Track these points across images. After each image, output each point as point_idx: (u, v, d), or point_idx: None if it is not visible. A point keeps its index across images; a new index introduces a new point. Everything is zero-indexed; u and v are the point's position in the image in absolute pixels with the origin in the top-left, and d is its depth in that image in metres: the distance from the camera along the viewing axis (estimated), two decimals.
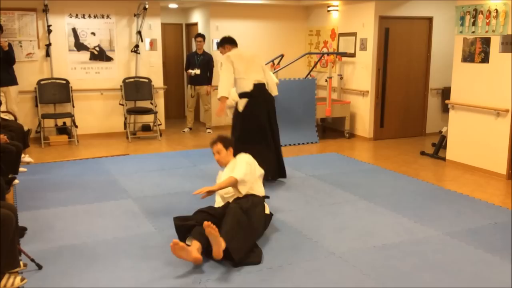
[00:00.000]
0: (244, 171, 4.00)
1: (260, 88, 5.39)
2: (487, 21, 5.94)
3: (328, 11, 8.84)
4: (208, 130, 8.85)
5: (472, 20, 6.16)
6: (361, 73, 8.27)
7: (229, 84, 5.27)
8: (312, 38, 9.55)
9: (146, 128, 8.65)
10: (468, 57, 6.29)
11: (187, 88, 9.00)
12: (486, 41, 5.99)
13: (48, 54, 7.90)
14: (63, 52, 8.08)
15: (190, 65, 8.71)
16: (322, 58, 8.98)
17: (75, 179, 5.79)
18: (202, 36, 8.76)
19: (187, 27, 10.50)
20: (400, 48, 8.19)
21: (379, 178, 5.92)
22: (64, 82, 8.01)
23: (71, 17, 8.07)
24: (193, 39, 8.94)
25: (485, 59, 6.03)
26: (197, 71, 8.59)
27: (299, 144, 7.81)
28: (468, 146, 6.37)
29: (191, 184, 5.62)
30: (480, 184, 5.70)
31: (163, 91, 8.92)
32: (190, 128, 8.99)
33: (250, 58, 5.47)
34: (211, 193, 3.97)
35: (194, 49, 9.02)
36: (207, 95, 8.76)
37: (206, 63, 8.69)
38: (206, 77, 8.73)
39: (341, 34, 8.71)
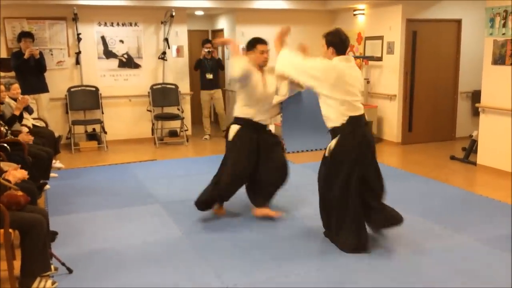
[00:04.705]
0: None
1: None
2: None
3: (354, 15, 8.78)
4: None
5: (502, 21, 6.03)
6: (388, 76, 8.18)
7: None
8: None
9: (173, 133, 8.74)
10: (498, 60, 6.15)
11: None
12: None
13: (78, 62, 8.06)
14: (93, 60, 8.24)
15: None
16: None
17: (104, 184, 5.88)
18: (211, 41, 8.85)
19: (213, 33, 10.58)
20: (428, 51, 8.06)
21: (408, 184, 5.83)
22: (93, 89, 8.15)
23: (100, 26, 8.22)
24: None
25: None
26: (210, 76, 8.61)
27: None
28: (500, 150, 6.21)
29: None
30: None
31: (189, 97, 9.00)
32: (209, 135, 8.94)
33: None
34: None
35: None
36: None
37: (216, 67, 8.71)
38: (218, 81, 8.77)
39: (367, 38, 8.64)
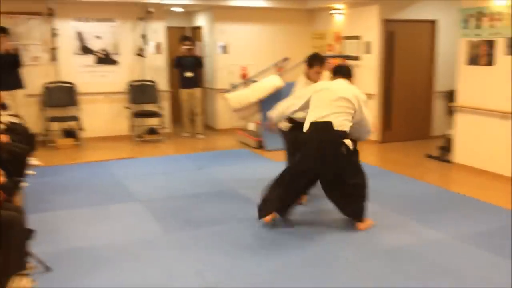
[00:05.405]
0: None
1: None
2: (492, 23, 5.94)
3: (332, 14, 8.86)
4: (200, 136, 8.76)
5: (476, 22, 6.16)
6: (366, 76, 8.28)
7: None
8: (316, 42, 9.57)
9: (152, 131, 8.68)
10: (472, 60, 6.28)
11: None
12: (491, 44, 5.98)
13: (54, 58, 7.94)
14: (69, 56, 8.13)
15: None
16: (327, 61, 8.97)
17: (82, 182, 5.81)
18: (190, 38, 8.79)
19: (192, 30, 10.54)
20: (405, 51, 8.19)
21: (386, 181, 5.91)
22: (70, 85, 8.04)
23: (76, 21, 8.12)
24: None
25: (490, 62, 6.03)
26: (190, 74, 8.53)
27: None
28: (474, 148, 6.36)
29: (197, 187, 5.63)
30: (487, 187, 5.69)
31: (168, 94, 8.95)
32: (189, 133, 8.91)
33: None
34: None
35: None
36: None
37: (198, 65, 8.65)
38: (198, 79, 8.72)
39: (345, 38, 8.72)
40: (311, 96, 4.28)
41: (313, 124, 4.15)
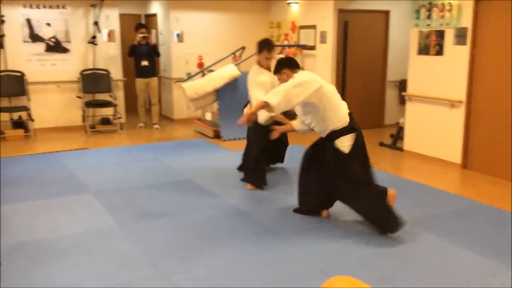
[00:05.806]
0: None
1: None
2: (442, 14, 6.11)
3: (288, 3, 8.89)
4: (156, 126, 8.67)
5: (427, 13, 6.32)
6: (322, 65, 8.37)
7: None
8: (273, 31, 9.58)
9: (105, 121, 8.50)
10: (423, 50, 6.45)
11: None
12: (441, 34, 6.16)
13: (1, 46, 7.63)
14: (18, 44, 7.83)
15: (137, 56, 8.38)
16: (283, 50, 9.02)
17: (32, 174, 5.64)
18: (145, 26, 8.67)
19: (147, 18, 10.35)
20: (359, 41, 8.32)
21: None
22: (19, 74, 7.76)
23: (25, 7, 7.82)
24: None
25: (439, 52, 6.21)
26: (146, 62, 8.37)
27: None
28: (424, 136, 6.55)
29: (153, 177, 5.57)
30: (437, 173, 5.88)
31: (122, 83, 8.77)
32: (145, 123, 8.79)
33: None
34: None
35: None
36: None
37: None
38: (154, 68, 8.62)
39: (301, 27, 8.77)
40: (321, 86, 3.97)
41: (352, 116, 4.17)
